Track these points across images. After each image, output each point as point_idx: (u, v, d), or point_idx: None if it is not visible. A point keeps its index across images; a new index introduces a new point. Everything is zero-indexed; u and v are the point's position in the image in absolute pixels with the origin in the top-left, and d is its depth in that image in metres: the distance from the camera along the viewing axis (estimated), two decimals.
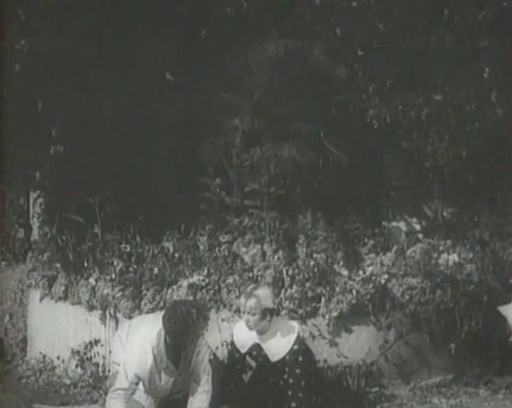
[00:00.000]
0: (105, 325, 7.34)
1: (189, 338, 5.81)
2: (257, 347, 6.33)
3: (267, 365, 6.30)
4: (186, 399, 6.03)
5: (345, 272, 7.28)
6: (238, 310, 6.49)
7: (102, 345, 7.32)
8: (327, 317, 7.05)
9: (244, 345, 6.36)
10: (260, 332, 6.29)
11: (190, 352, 5.93)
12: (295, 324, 6.45)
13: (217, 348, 6.98)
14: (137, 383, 5.95)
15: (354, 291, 7.06)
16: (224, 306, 7.15)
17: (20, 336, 8.13)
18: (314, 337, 7.01)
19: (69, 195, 8.37)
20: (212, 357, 6.87)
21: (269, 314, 6.24)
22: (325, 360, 6.99)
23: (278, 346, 6.27)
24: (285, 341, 6.29)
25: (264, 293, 6.26)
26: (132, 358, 5.94)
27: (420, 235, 8.16)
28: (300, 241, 7.60)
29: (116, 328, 7.18)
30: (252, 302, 6.21)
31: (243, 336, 6.37)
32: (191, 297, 7.15)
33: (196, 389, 5.98)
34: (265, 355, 6.29)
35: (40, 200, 8.89)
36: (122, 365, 6.01)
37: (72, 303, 7.54)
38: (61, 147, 8.54)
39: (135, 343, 6.01)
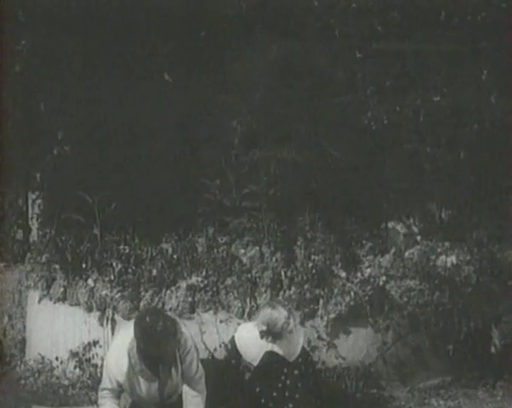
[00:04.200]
0: (103, 326, 7.35)
1: (154, 347, 5.67)
2: (270, 354, 6.30)
3: (275, 368, 6.29)
4: (181, 402, 6.00)
5: (343, 274, 7.29)
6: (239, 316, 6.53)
7: (101, 346, 7.32)
8: (325, 319, 7.07)
9: (255, 358, 6.33)
10: (273, 342, 6.28)
11: (169, 359, 5.82)
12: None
13: (215, 349, 7.00)
14: (119, 386, 5.90)
15: (352, 293, 7.08)
16: (223, 307, 7.17)
17: (19, 337, 8.13)
18: (312, 339, 7.03)
19: (68, 196, 8.37)
20: (210, 358, 6.93)
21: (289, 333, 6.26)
22: (323, 362, 7.01)
23: (293, 346, 6.28)
24: (296, 339, 6.31)
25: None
26: (111, 360, 5.92)
27: (418, 237, 8.15)
28: (299, 243, 7.61)
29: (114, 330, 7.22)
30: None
31: (251, 348, 6.34)
32: (190, 299, 7.17)
33: (189, 393, 5.94)
34: (283, 358, 6.27)
35: (39, 201, 8.87)
36: (104, 367, 6.02)
37: (71, 305, 7.54)
38: (61, 148, 8.55)
39: (114, 346, 5.99)
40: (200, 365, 5.98)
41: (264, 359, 6.30)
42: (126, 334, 5.89)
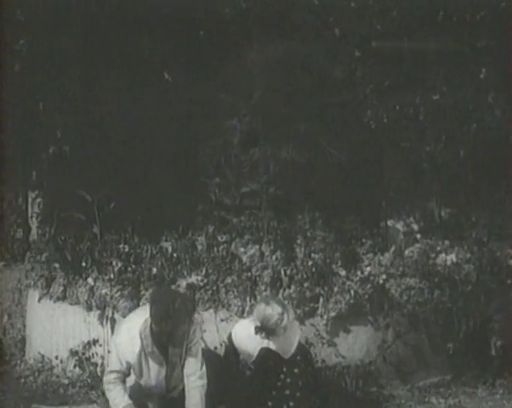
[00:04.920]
0: (103, 325, 7.34)
1: (169, 327, 5.81)
2: (266, 350, 6.31)
3: (271, 365, 6.30)
4: (183, 397, 6.05)
5: (343, 272, 7.29)
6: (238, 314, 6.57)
7: (100, 345, 7.32)
8: (325, 317, 7.06)
9: (251, 354, 6.34)
10: (268, 338, 6.30)
11: (179, 341, 5.95)
12: (295, 322, 6.52)
13: (215, 348, 7.00)
14: (128, 368, 6.02)
15: (352, 292, 7.08)
16: (223, 306, 7.16)
17: (19, 336, 8.13)
18: (312, 338, 7.03)
19: (68, 195, 8.37)
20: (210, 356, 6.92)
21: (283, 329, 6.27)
22: (323, 360, 7.01)
23: (288, 343, 6.29)
24: (292, 336, 6.32)
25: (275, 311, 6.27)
26: (122, 341, 6.02)
27: (418, 236, 8.14)
28: (298, 242, 7.61)
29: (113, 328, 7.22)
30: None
31: (247, 344, 6.35)
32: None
33: (190, 384, 6.00)
34: (278, 355, 6.29)
35: (38, 200, 8.87)
36: (114, 348, 6.10)
37: (71, 303, 7.53)
38: (61, 147, 8.55)
39: (125, 328, 6.09)
40: (203, 358, 6.06)
41: (260, 356, 6.31)
42: (138, 317, 6.04)
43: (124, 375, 6.06)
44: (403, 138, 8.50)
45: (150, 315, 5.87)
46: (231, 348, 6.44)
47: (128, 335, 6.00)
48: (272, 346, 6.30)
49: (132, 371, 6.06)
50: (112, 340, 6.37)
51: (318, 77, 8.60)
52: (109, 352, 6.90)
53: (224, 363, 6.44)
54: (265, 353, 6.30)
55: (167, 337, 5.89)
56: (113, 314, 7.32)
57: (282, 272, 7.25)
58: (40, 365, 7.65)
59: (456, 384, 7.19)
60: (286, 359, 6.31)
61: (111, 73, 8.52)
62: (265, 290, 7.14)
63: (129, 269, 7.47)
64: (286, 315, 6.22)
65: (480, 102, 8.33)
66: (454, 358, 7.22)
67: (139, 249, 7.71)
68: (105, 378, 6.13)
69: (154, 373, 6.01)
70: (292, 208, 8.27)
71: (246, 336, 6.36)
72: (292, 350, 6.32)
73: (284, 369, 6.31)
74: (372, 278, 7.19)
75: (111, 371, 6.06)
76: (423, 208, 8.56)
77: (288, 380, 6.28)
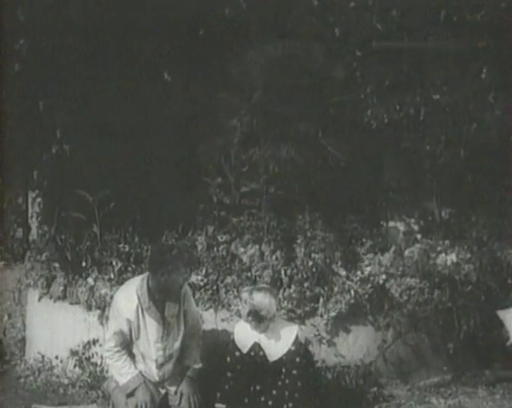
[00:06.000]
0: (103, 325, 7.33)
1: (164, 276, 6.08)
2: (256, 346, 6.35)
3: (265, 364, 6.32)
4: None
5: (343, 272, 7.29)
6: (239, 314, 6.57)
7: (100, 345, 7.30)
8: (325, 317, 7.07)
9: (245, 345, 6.38)
10: (260, 332, 6.32)
11: (174, 299, 6.20)
12: (295, 325, 6.51)
13: None
14: (129, 329, 6.19)
15: (352, 292, 7.08)
16: (223, 306, 7.16)
17: (19, 335, 8.12)
18: (312, 338, 7.03)
19: (68, 194, 8.37)
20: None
21: (264, 319, 6.29)
22: (323, 360, 7.01)
23: (276, 346, 6.30)
24: (283, 341, 6.32)
25: (260, 298, 6.32)
26: (119, 301, 6.26)
27: (418, 236, 8.16)
28: (298, 241, 7.61)
29: None
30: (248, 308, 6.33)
31: (244, 335, 6.40)
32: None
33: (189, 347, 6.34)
34: (264, 355, 6.31)
35: (39, 199, 8.88)
36: (111, 313, 6.33)
37: (71, 303, 7.53)
38: (61, 146, 8.54)
39: (121, 290, 6.39)
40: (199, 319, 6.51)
41: (253, 350, 6.33)
42: (134, 280, 6.36)
43: (124, 338, 6.21)
44: (403, 137, 8.51)
45: (148, 265, 6.25)
46: (233, 346, 6.45)
47: (125, 294, 6.25)
48: (264, 341, 6.31)
49: (132, 332, 6.20)
50: (110, 308, 6.56)
51: (318, 77, 8.60)
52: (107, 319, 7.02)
53: (224, 365, 6.44)
54: (256, 349, 6.33)
55: (164, 291, 6.13)
56: None
57: (282, 272, 7.25)
58: (40, 364, 7.64)
59: (456, 384, 7.19)
60: (284, 360, 6.31)
61: (111, 73, 8.52)
62: None
63: (129, 268, 7.47)
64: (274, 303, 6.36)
65: (480, 102, 8.33)
66: (454, 358, 7.22)
67: (139, 249, 7.71)
68: (106, 347, 6.32)
69: (152, 331, 6.16)
70: (292, 208, 8.27)
71: (243, 332, 6.40)
72: (284, 351, 6.32)
73: (283, 370, 6.31)
74: (372, 278, 7.19)
75: (113, 335, 6.23)
76: (423, 208, 8.57)
77: (288, 380, 6.28)
